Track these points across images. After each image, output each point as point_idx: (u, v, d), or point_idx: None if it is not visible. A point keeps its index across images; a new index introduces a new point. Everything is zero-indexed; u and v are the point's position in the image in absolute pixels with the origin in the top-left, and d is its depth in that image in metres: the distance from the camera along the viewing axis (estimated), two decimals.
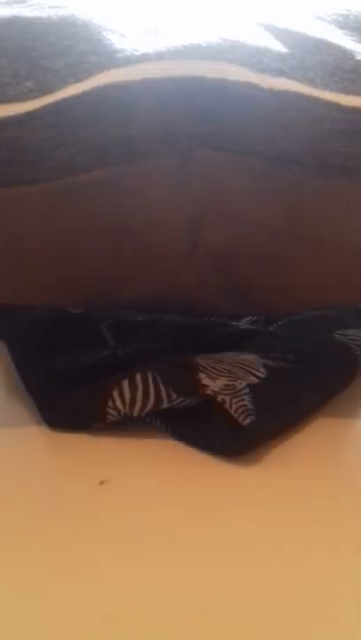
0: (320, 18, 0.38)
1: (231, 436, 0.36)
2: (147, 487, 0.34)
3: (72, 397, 0.38)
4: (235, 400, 0.37)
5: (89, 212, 0.33)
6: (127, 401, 0.37)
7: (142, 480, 0.34)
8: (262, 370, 0.40)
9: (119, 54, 0.32)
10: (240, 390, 0.37)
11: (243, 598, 0.27)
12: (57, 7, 0.36)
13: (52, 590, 0.27)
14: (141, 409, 0.37)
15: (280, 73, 0.32)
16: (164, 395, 0.37)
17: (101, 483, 0.34)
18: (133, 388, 0.37)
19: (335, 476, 0.35)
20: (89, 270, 0.35)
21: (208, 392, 0.37)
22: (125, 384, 0.37)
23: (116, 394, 0.37)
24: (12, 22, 0.35)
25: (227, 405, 0.36)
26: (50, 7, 0.36)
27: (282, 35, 0.35)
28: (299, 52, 0.33)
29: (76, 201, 0.33)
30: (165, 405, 0.37)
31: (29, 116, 0.32)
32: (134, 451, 0.36)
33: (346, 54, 0.34)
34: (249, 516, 0.32)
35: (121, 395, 0.37)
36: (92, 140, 0.32)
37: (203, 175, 0.33)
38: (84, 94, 0.32)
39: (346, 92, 0.33)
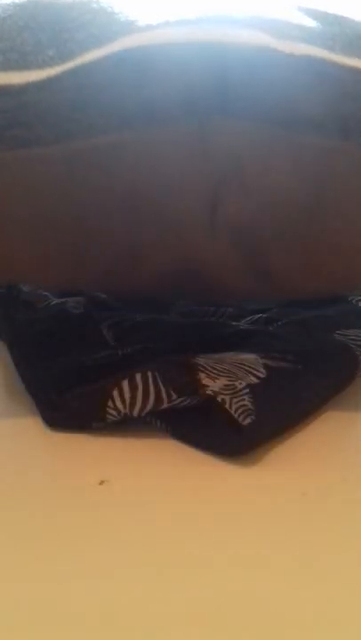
0: None
1: (231, 436, 0.36)
2: (147, 487, 0.34)
3: (72, 398, 0.38)
4: (235, 400, 0.37)
5: (106, 177, 0.33)
6: (127, 401, 0.37)
7: (142, 480, 0.34)
8: (262, 370, 0.40)
9: (140, 22, 0.32)
10: (240, 390, 0.37)
11: (243, 598, 0.27)
12: None
13: (51, 590, 0.27)
14: (141, 409, 0.37)
15: (300, 40, 0.32)
16: (164, 395, 0.37)
17: (101, 483, 0.34)
18: (133, 388, 0.37)
19: (335, 476, 0.35)
20: (106, 244, 0.35)
21: (208, 392, 0.37)
22: (125, 384, 0.37)
23: (115, 394, 0.37)
24: (36, 2, 0.35)
25: (227, 405, 0.36)
26: None
27: (301, 10, 0.35)
28: (318, 25, 0.34)
29: (93, 165, 0.32)
30: (165, 405, 0.37)
31: (49, 80, 0.32)
32: (134, 451, 0.36)
33: None
34: (249, 515, 0.32)
35: (121, 395, 0.37)
36: (111, 104, 0.32)
37: (222, 144, 0.32)
38: (105, 58, 0.32)
39: None
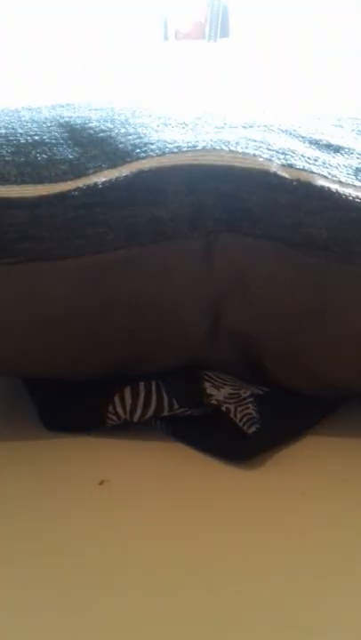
0: (340, 126, 0.41)
1: (235, 442, 0.36)
2: (146, 487, 0.34)
3: (73, 402, 0.38)
4: (240, 408, 0.37)
5: (114, 288, 0.34)
6: (128, 407, 0.37)
7: (142, 480, 0.34)
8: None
9: (153, 145, 0.34)
10: (245, 399, 0.37)
11: (242, 597, 0.27)
12: (97, 110, 0.39)
13: (51, 590, 0.27)
14: (142, 416, 0.37)
15: (305, 168, 0.34)
16: (165, 403, 0.37)
17: (101, 483, 0.34)
18: (135, 395, 0.37)
19: (335, 476, 0.34)
20: (112, 341, 0.36)
21: (213, 401, 0.37)
22: (128, 390, 0.37)
23: (117, 399, 0.37)
24: (53, 119, 0.38)
25: (231, 414, 0.37)
26: (90, 110, 0.39)
27: (306, 141, 0.37)
28: (322, 155, 0.36)
29: (102, 277, 0.34)
30: (166, 414, 0.37)
31: (62, 196, 0.33)
32: (134, 451, 0.37)
33: None
34: (249, 515, 0.32)
35: (122, 400, 0.37)
36: (121, 221, 0.33)
37: (228, 259, 0.34)
38: (118, 180, 0.33)
39: None
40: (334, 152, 0.37)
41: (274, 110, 0.49)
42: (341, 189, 0.33)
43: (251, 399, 0.38)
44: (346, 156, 0.37)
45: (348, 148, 0.37)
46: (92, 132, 0.36)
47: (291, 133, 0.38)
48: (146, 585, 0.27)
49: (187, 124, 0.39)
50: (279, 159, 0.34)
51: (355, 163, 0.36)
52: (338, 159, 0.36)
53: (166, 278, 0.34)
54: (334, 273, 0.33)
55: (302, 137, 0.38)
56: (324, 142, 0.38)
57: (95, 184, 0.34)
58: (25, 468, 0.35)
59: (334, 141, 0.38)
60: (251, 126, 0.39)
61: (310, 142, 0.38)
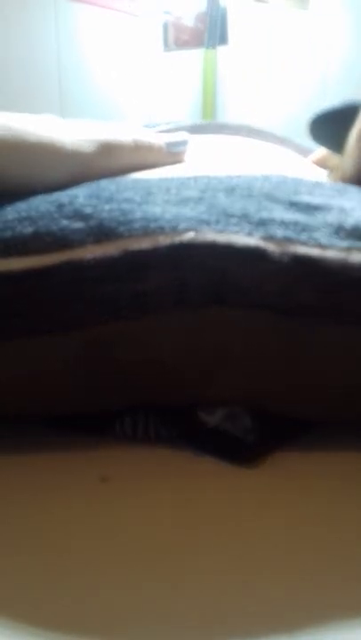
0: (319, 185, 0.42)
1: (235, 447, 0.37)
2: (148, 484, 0.34)
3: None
4: (237, 424, 0.38)
5: (102, 360, 0.35)
6: (128, 434, 0.39)
7: (143, 478, 0.35)
8: None
9: (137, 224, 0.35)
10: (238, 414, 0.38)
11: (242, 597, 0.27)
12: (88, 188, 0.40)
13: (52, 587, 0.27)
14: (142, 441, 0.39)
15: (286, 239, 0.34)
16: (152, 434, 0.38)
17: (103, 480, 0.34)
18: (133, 426, 0.38)
19: (335, 477, 0.35)
20: (105, 400, 0.37)
21: (209, 427, 0.38)
22: (128, 421, 0.38)
23: (117, 426, 0.39)
24: (43, 198, 0.38)
25: (230, 431, 0.37)
26: (81, 188, 0.40)
27: (286, 204, 0.38)
28: (302, 218, 0.36)
29: (90, 350, 0.35)
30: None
31: (48, 271, 0.34)
32: (136, 449, 0.37)
33: (347, 214, 0.37)
34: (248, 514, 0.32)
35: (122, 426, 0.38)
36: (107, 296, 0.34)
37: (215, 332, 0.35)
38: (103, 257, 0.34)
39: (350, 250, 0.34)
40: (314, 212, 0.37)
41: (260, 161, 0.50)
42: (322, 254, 0.34)
43: (245, 412, 0.38)
44: (325, 214, 0.37)
45: (327, 206, 0.38)
46: (78, 206, 0.37)
47: (271, 198, 0.38)
48: (146, 581, 0.28)
49: (170, 190, 0.39)
50: (259, 231, 0.35)
51: (335, 220, 0.36)
52: (318, 219, 0.36)
53: (154, 350, 0.35)
54: (320, 335, 0.34)
55: (282, 200, 0.38)
56: (304, 203, 0.38)
57: (80, 260, 0.34)
58: (27, 464, 0.36)
59: (314, 201, 0.38)
60: (233, 191, 0.39)
61: (290, 204, 0.38)
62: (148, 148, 0.51)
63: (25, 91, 1.43)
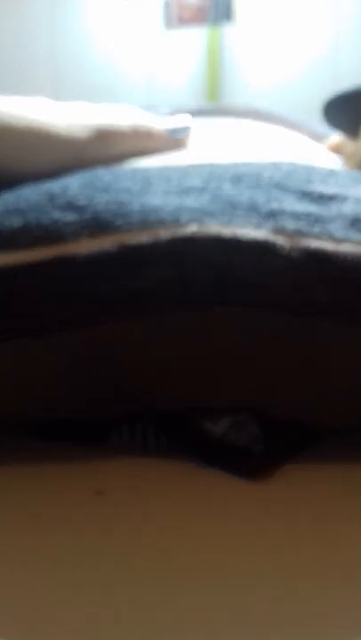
0: (334, 174, 0.40)
1: (242, 458, 0.36)
2: (144, 498, 0.34)
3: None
4: (242, 434, 0.36)
5: (100, 362, 0.34)
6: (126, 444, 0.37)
7: (139, 490, 0.34)
8: None
9: (135, 217, 0.33)
10: (245, 421, 0.37)
11: (242, 603, 0.27)
12: (81, 177, 0.39)
13: (50, 599, 0.27)
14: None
15: (297, 232, 0.33)
16: (151, 445, 0.37)
17: (99, 493, 0.34)
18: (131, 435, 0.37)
19: (338, 479, 0.35)
20: (99, 410, 0.37)
21: (213, 437, 0.37)
22: (125, 430, 0.37)
23: (114, 436, 0.37)
24: (34, 189, 0.37)
25: (235, 442, 0.36)
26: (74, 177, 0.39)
27: (298, 194, 0.36)
28: (315, 209, 0.35)
29: (86, 351, 0.34)
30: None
31: (39, 267, 0.33)
32: (132, 461, 0.36)
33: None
34: (249, 522, 0.32)
35: (119, 436, 0.37)
36: (102, 294, 0.33)
37: (218, 330, 0.34)
38: (98, 252, 0.33)
39: None
40: (328, 202, 0.36)
41: (269, 148, 0.50)
42: (337, 248, 0.32)
43: (251, 420, 0.37)
44: (340, 204, 0.36)
45: (342, 196, 0.36)
46: (71, 198, 0.35)
47: (282, 187, 0.37)
48: (145, 594, 0.28)
49: (171, 179, 0.38)
50: (268, 224, 0.33)
51: (350, 212, 0.35)
52: (332, 210, 0.35)
53: (154, 351, 0.34)
54: (336, 334, 0.33)
55: (294, 190, 0.37)
56: (317, 193, 0.36)
57: (73, 255, 0.33)
58: (23, 477, 0.35)
59: (328, 190, 0.37)
60: (239, 180, 0.37)
61: (303, 194, 0.36)
62: (148, 134, 0.50)
63: (17, 71, 1.42)
